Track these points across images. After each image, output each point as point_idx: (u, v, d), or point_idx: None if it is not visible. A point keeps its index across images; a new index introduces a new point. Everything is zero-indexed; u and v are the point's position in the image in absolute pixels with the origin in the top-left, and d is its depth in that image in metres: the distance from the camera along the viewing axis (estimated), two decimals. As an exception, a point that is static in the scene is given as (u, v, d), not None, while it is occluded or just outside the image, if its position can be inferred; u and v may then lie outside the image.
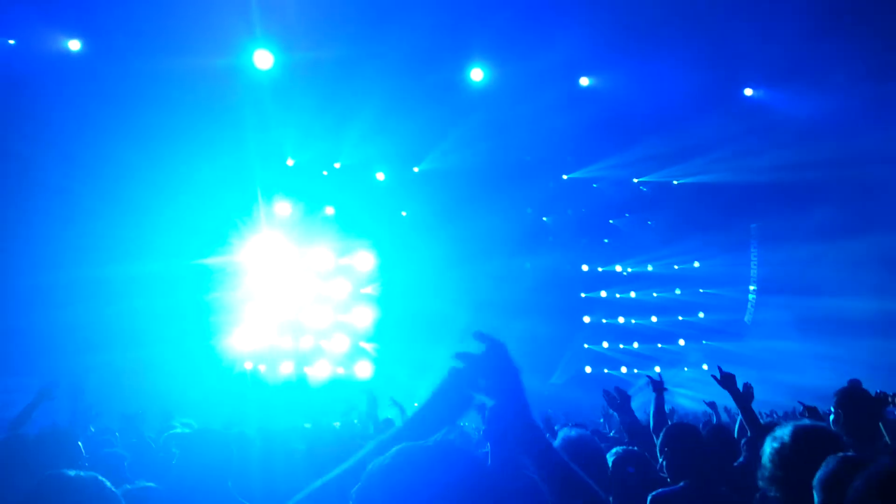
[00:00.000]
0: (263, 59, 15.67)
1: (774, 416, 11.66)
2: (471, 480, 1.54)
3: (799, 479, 2.76)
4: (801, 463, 2.80)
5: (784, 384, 16.54)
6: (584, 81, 17.16)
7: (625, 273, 22.19)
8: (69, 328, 14.39)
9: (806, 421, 3.15)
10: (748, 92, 17.20)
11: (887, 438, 4.81)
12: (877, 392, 5.08)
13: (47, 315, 14.25)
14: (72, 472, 2.61)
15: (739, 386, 5.42)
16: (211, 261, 17.57)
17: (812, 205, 18.05)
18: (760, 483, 3.06)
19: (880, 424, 4.67)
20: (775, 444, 3.01)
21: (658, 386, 5.86)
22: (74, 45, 14.76)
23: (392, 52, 15.13)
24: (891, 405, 5.22)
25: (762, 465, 3.04)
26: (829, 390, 5.45)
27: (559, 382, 19.12)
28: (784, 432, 3.01)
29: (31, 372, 12.75)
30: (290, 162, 18.92)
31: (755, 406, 5.59)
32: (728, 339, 20.91)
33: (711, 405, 9.26)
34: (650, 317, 22.19)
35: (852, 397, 4.71)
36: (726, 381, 5.41)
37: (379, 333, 20.42)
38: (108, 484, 2.62)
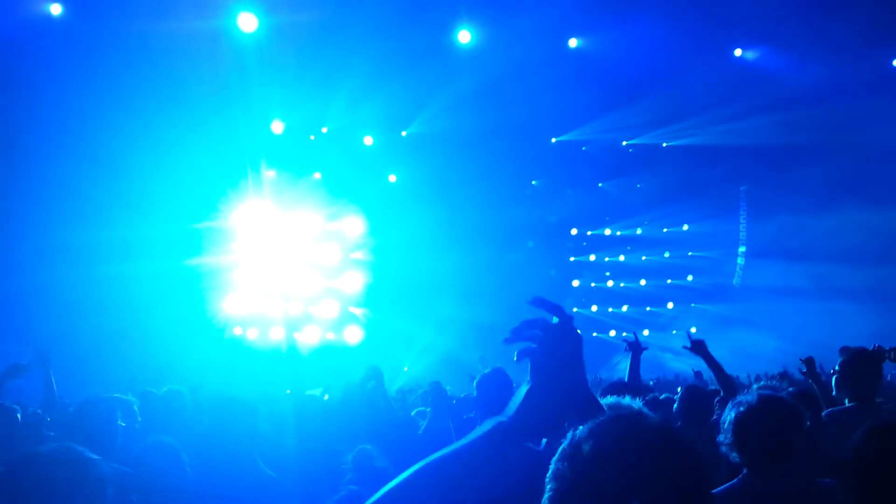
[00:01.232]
0: (247, 21, 15.45)
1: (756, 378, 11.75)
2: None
3: (757, 446, 2.92)
4: (759, 429, 2.92)
5: (770, 348, 16.71)
6: (573, 42, 17.01)
7: (614, 236, 22.19)
8: (55, 294, 14.32)
9: (766, 391, 3.20)
10: (738, 52, 17.08)
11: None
12: (875, 346, 5.18)
13: (32, 279, 14.19)
14: (46, 447, 2.57)
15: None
16: (198, 226, 17.45)
17: (801, 168, 18.00)
18: (722, 448, 3.11)
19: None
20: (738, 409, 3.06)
21: (635, 346, 5.89)
22: (56, 8, 14.50)
23: (378, 13, 14.97)
24: (888, 359, 5.19)
25: (724, 430, 3.09)
26: (814, 353, 5.53)
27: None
28: (747, 399, 3.06)
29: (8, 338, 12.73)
30: (277, 127, 18.69)
31: (738, 370, 5.71)
32: (717, 302, 20.99)
33: (698, 375, 9.28)
34: (639, 280, 22.23)
35: (856, 355, 4.90)
36: (697, 347, 5.49)
37: (369, 298, 20.44)
38: (88, 454, 2.56)
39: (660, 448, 1.42)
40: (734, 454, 3.05)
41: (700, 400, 5.54)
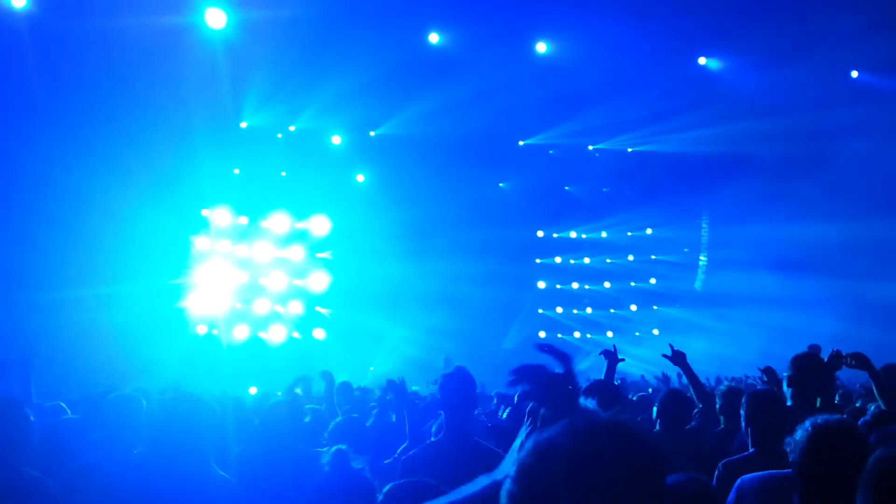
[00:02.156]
0: (216, 17, 15.34)
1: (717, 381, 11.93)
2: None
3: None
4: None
5: (731, 352, 16.95)
6: (542, 48, 17.13)
7: (580, 239, 22.33)
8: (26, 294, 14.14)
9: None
10: (702, 61, 17.30)
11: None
12: (833, 351, 5.17)
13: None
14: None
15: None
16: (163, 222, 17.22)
17: (760, 178, 18.26)
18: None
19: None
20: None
21: (611, 357, 5.81)
22: (19, 2, 14.24)
23: (349, 12, 14.93)
24: (846, 366, 5.21)
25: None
26: (771, 360, 5.59)
27: (510, 347, 19.26)
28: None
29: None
30: (243, 125, 18.58)
31: (699, 374, 5.73)
32: (679, 306, 21.22)
33: (665, 380, 9.38)
34: (603, 282, 22.40)
35: (806, 361, 4.98)
36: (677, 358, 5.52)
37: (335, 298, 20.38)
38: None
39: (617, 461, 1.36)
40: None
41: (681, 406, 5.45)
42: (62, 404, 6.75)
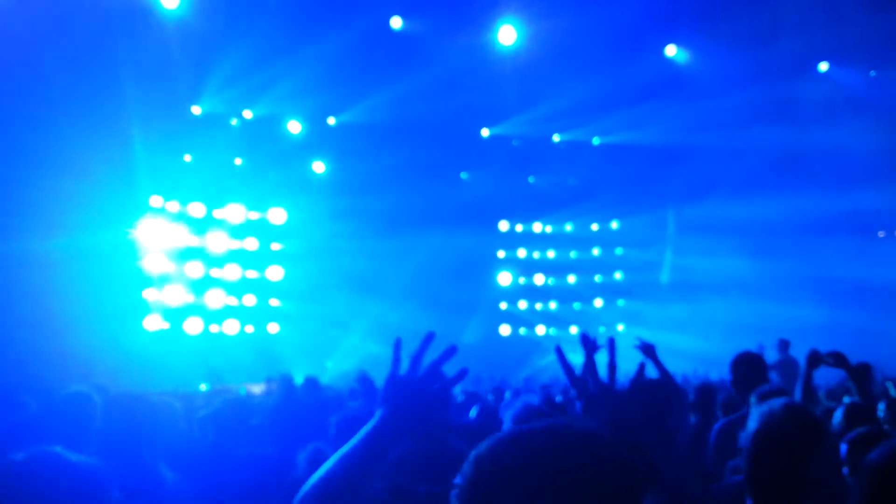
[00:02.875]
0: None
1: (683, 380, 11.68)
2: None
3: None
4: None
5: (696, 346, 16.77)
6: (507, 35, 16.70)
7: (543, 232, 22.02)
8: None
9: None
10: (669, 51, 17.00)
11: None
12: (810, 350, 4.97)
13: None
14: None
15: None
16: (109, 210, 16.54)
17: (727, 169, 18.15)
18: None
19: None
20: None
21: (589, 345, 5.40)
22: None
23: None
24: (825, 364, 4.96)
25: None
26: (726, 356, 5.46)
27: (471, 342, 18.85)
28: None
29: None
30: (195, 110, 17.96)
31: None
32: (645, 300, 21.01)
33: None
34: (567, 276, 22.11)
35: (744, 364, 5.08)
36: (647, 350, 5.32)
37: (291, 291, 19.94)
38: None
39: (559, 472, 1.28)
40: None
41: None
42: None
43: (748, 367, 5.06)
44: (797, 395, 4.98)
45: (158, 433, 3.56)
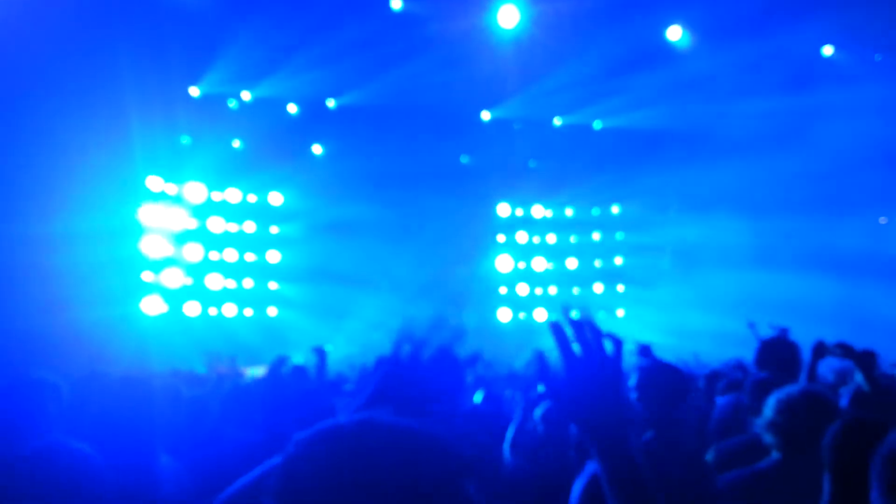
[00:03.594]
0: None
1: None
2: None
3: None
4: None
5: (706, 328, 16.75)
6: (507, 14, 16.53)
7: (544, 216, 21.91)
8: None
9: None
10: (671, 34, 16.80)
11: None
12: (815, 342, 5.03)
13: None
14: None
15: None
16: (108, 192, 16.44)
17: (728, 151, 18.08)
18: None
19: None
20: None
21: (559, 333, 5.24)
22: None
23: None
24: (830, 354, 5.00)
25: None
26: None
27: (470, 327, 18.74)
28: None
29: None
30: (193, 91, 17.84)
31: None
32: (645, 285, 20.95)
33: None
34: (567, 260, 22.02)
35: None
36: (645, 352, 5.30)
37: (289, 274, 19.90)
38: None
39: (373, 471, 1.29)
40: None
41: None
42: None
43: (778, 353, 5.03)
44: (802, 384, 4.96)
45: (160, 417, 3.48)
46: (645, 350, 5.26)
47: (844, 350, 4.92)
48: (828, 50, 17.16)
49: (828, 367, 7.79)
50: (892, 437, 2.06)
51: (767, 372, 4.98)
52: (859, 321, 15.75)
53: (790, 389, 3.57)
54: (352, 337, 18.51)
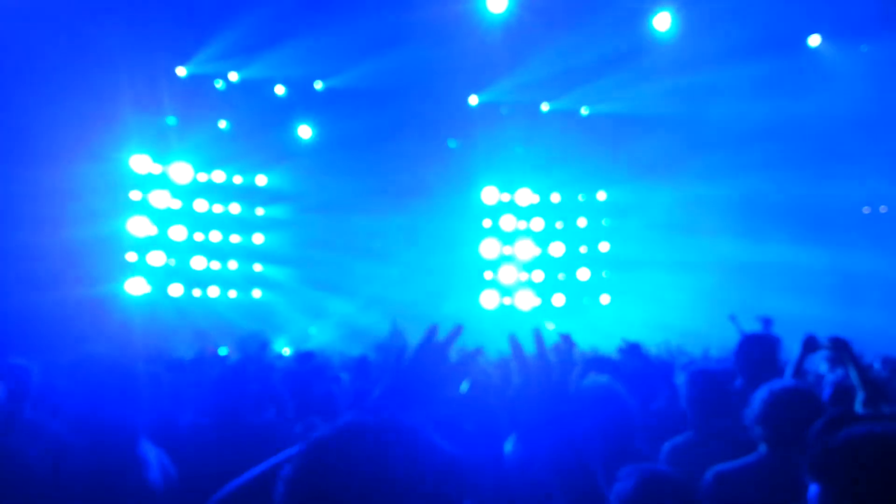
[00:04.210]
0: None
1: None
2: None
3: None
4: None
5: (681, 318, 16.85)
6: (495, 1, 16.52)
7: (532, 202, 21.88)
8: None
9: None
10: (662, 23, 16.75)
11: None
12: (806, 335, 4.90)
13: None
14: None
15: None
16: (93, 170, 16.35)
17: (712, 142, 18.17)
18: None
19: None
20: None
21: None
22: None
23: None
24: (823, 349, 4.95)
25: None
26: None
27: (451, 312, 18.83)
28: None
29: None
30: (180, 71, 17.76)
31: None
32: (629, 271, 20.98)
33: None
34: (551, 246, 22.01)
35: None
36: (633, 350, 5.26)
37: (274, 256, 19.87)
38: None
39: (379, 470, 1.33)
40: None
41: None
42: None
43: (757, 351, 4.87)
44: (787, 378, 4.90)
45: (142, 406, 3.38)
46: (633, 349, 5.20)
47: (837, 346, 4.65)
48: (815, 40, 17.18)
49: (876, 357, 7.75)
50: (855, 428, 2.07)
51: (746, 367, 4.84)
52: (850, 294, 15.99)
53: (778, 384, 3.61)
54: (335, 320, 18.54)
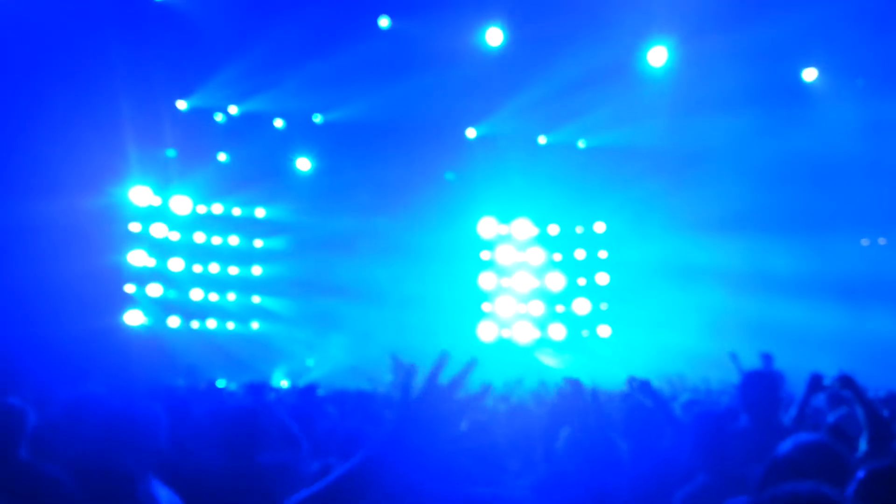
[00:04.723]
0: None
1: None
2: None
3: None
4: None
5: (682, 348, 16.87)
6: (493, 34, 16.72)
7: (530, 234, 21.96)
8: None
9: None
10: (653, 58, 16.93)
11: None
12: (812, 374, 4.90)
13: None
14: None
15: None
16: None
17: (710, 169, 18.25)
18: None
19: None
20: None
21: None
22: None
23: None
24: (829, 390, 4.92)
25: None
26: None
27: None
28: None
29: None
30: (181, 105, 17.98)
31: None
32: (628, 302, 21.02)
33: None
34: (547, 277, 22.01)
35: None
36: (644, 389, 5.16)
37: (273, 288, 19.94)
38: None
39: None
40: None
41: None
42: None
43: (761, 388, 4.75)
44: (791, 417, 4.83)
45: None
46: (644, 387, 5.13)
47: (846, 385, 4.47)
48: (811, 74, 17.31)
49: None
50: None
51: (751, 406, 4.72)
52: (852, 339, 15.97)
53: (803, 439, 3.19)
54: (334, 353, 18.54)
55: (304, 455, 4.37)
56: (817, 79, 17.34)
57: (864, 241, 19.53)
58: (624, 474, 4.26)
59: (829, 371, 4.70)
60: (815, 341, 15.24)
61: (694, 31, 15.53)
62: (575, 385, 4.94)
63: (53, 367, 10.73)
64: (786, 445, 3.00)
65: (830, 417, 5.10)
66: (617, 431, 4.74)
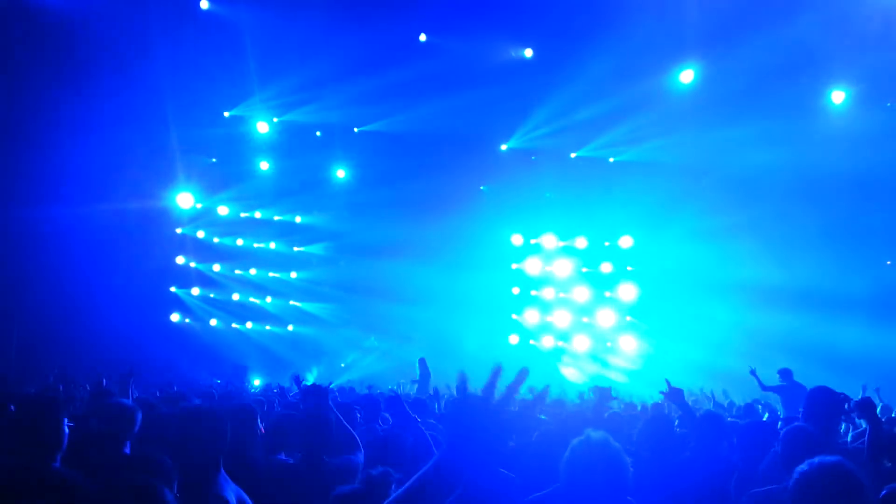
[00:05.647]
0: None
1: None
2: None
3: None
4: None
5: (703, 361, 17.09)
6: (528, 53, 17.21)
7: (556, 246, 22.24)
8: None
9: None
10: (684, 77, 17.22)
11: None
12: (840, 394, 4.96)
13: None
14: None
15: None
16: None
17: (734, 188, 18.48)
18: None
19: None
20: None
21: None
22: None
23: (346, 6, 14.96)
24: (854, 415, 5.08)
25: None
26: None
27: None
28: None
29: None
30: (226, 115, 18.58)
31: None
32: (653, 316, 21.18)
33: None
34: (574, 290, 22.24)
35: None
36: (673, 395, 5.48)
37: (312, 292, 20.36)
38: None
39: None
40: None
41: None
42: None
43: (826, 403, 4.79)
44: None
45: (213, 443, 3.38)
46: (674, 393, 5.39)
47: (865, 410, 4.63)
48: (838, 96, 17.35)
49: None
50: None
51: (818, 421, 4.66)
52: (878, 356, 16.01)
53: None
54: (368, 355, 18.90)
55: (363, 457, 4.57)
56: (846, 98, 17.38)
57: (890, 263, 19.51)
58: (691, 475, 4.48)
59: (855, 388, 4.69)
60: (841, 357, 15.34)
61: (721, 49, 15.77)
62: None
63: (105, 361, 11.31)
64: (803, 467, 3.02)
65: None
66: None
